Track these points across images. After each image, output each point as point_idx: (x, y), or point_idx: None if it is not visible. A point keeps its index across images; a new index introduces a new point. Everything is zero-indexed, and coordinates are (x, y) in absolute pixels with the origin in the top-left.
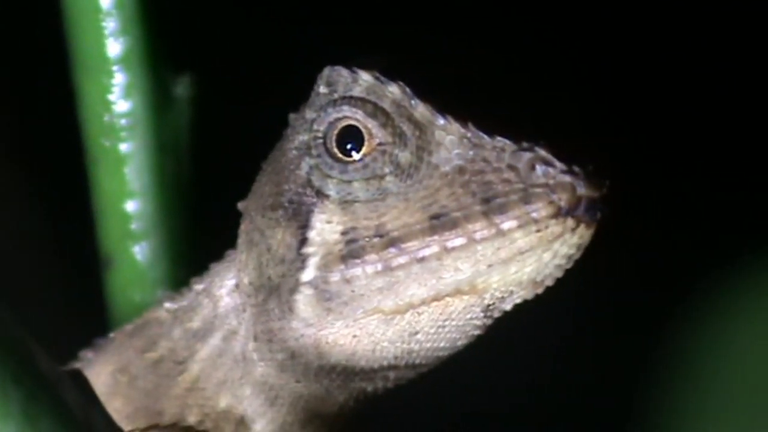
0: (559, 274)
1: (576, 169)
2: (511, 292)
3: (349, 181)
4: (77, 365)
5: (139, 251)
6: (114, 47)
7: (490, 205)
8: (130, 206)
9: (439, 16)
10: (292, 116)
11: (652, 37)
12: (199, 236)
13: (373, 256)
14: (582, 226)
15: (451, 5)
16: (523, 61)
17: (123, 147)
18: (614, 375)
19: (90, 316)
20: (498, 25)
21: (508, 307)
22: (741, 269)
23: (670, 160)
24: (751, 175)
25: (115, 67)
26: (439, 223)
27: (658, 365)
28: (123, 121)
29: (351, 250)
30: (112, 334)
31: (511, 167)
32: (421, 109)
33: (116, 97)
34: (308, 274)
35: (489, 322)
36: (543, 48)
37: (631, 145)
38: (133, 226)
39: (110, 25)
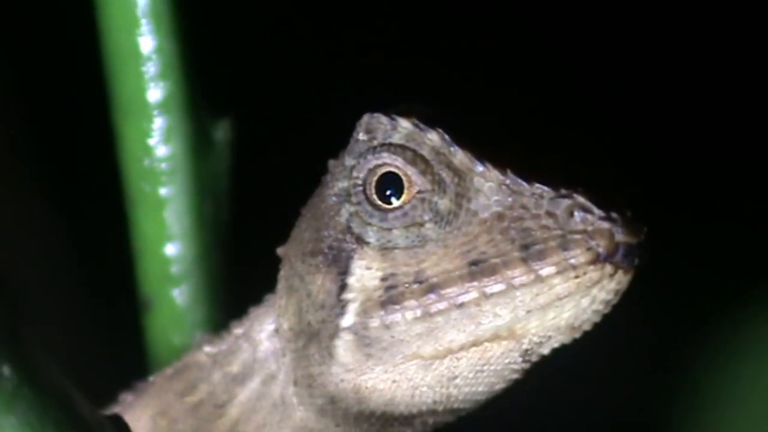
0: (597, 318)
1: (614, 215)
2: (549, 337)
3: (389, 229)
4: (117, 409)
5: (179, 294)
6: (154, 92)
7: (529, 252)
8: (170, 249)
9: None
10: (331, 163)
11: (690, 73)
12: (238, 280)
13: (412, 302)
14: (620, 272)
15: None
16: (556, 104)
17: (163, 191)
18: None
19: (130, 359)
20: (528, 65)
21: (545, 351)
22: None
23: (708, 193)
24: None
25: (154, 112)
26: (478, 269)
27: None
28: (163, 165)
29: (390, 296)
30: (151, 378)
31: (550, 214)
32: (460, 156)
33: (156, 142)
34: (348, 319)
35: (527, 366)
36: (574, 88)
37: (668, 183)
38: (173, 269)
39: (150, 69)
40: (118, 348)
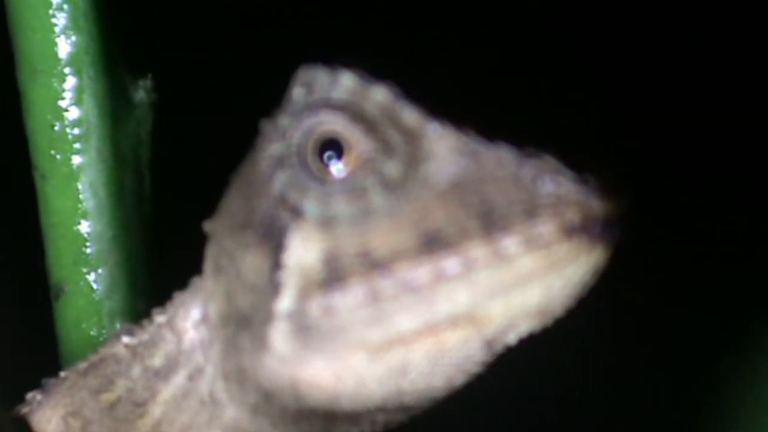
0: (570, 302)
1: (589, 180)
2: (515, 324)
3: (329, 198)
4: (24, 409)
5: (94, 279)
6: (64, 46)
7: (490, 223)
8: (84, 227)
9: (427, 14)
10: (263, 123)
11: (671, 35)
12: (160, 262)
13: (356, 283)
14: (597, 247)
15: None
16: (523, 61)
17: (75, 160)
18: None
19: (38, 352)
20: (494, 23)
21: (512, 340)
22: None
23: (695, 168)
24: None
25: (65, 69)
26: (432, 244)
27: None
28: (75, 131)
29: (332, 276)
30: (63, 373)
31: (514, 179)
32: (410, 115)
33: (67, 103)
34: (283, 303)
35: (490, 358)
36: (546, 46)
37: (650, 152)
38: (88, 250)
39: (60, 21)
40: (27, 340)
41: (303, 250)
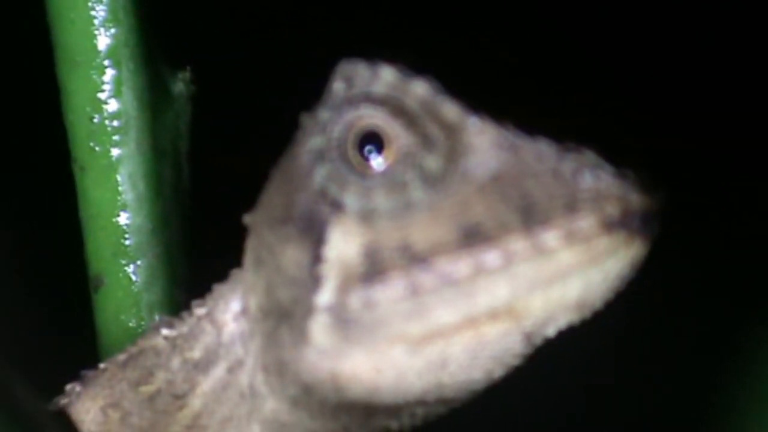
0: (610, 295)
1: (629, 175)
2: (554, 317)
3: (370, 192)
4: (64, 401)
5: (133, 270)
6: (104, 39)
7: (531, 217)
8: (123, 219)
9: (464, 12)
10: (304, 117)
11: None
12: (201, 254)
13: (397, 276)
14: (637, 241)
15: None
16: (561, 59)
17: (114, 152)
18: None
19: (78, 344)
20: (530, 21)
21: (551, 332)
22: None
23: (731, 163)
24: None
25: (105, 62)
26: (472, 238)
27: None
28: (114, 123)
29: (372, 270)
30: (102, 365)
31: (555, 173)
32: (450, 109)
33: (106, 96)
34: (323, 297)
35: (529, 350)
36: (579, 46)
37: (689, 147)
38: (127, 242)
39: (99, 14)
40: (66, 332)
41: (343, 244)
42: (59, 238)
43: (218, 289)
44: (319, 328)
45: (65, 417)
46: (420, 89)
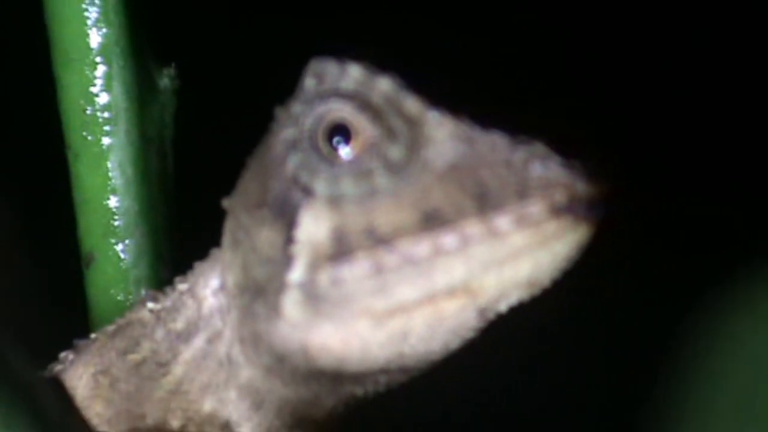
0: (557, 274)
1: (576, 164)
2: (506, 294)
3: (338, 179)
4: (58, 368)
5: (122, 249)
6: (95, 37)
7: (484, 203)
8: (113, 202)
9: (431, 5)
10: (278, 110)
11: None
12: (183, 234)
13: (362, 256)
14: (581, 225)
15: None
16: (519, 52)
17: (105, 141)
18: (610, 382)
19: (71, 316)
20: (493, 15)
21: (502, 308)
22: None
23: (678, 153)
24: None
25: (96, 58)
26: (431, 221)
27: (656, 367)
28: (105, 114)
29: (339, 250)
30: (93, 335)
31: (507, 163)
32: (412, 104)
33: (98, 89)
34: (295, 274)
35: (483, 324)
36: (541, 36)
37: (633, 137)
38: (116, 222)
39: (92, 15)
40: (61, 305)
41: (313, 227)
42: (54, 219)
43: (199, 266)
44: (291, 303)
45: (59, 383)
46: (384, 85)
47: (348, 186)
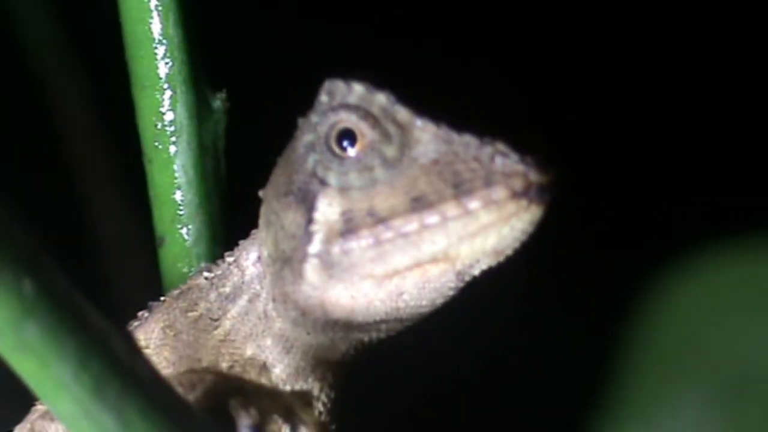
0: (517, 245)
1: (528, 159)
2: (478, 260)
3: (346, 172)
4: (136, 323)
5: (186, 232)
6: (163, 69)
7: (459, 190)
8: (178, 196)
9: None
10: (300, 120)
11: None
12: (231, 219)
13: (365, 232)
14: (534, 206)
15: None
16: (485, 70)
17: (172, 149)
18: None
19: (149, 284)
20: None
21: (476, 272)
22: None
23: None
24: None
25: (164, 85)
26: (418, 204)
27: (612, 338)
28: (171, 128)
29: (348, 228)
30: (162, 298)
31: (476, 159)
32: (402, 113)
33: (165, 109)
34: (314, 247)
35: (461, 284)
36: (502, 55)
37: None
38: (181, 212)
39: (160, 51)
40: (138, 276)
41: (328, 210)
42: (134, 210)
43: (242, 243)
44: (311, 269)
45: (130, 332)
46: (381, 99)
47: (354, 178)
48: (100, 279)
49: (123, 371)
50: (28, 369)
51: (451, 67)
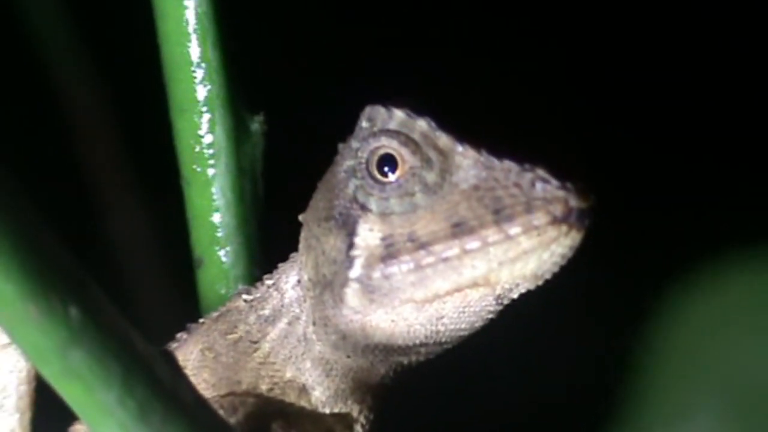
0: (556, 269)
1: (568, 185)
2: (517, 284)
3: (387, 198)
4: (174, 344)
5: (224, 254)
6: (202, 92)
7: (500, 215)
8: (216, 218)
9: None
10: (341, 146)
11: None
12: (270, 242)
13: (406, 257)
14: (573, 231)
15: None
16: (525, 99)
17: (210, 171)
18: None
19: (186, 305)
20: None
21: (515, 296)
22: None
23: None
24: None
25: (202, 108)
26: (459, 230)
27: (640, 355)
28: (210, 151)
29: (389, 252)
30: (201, 320)
31: (517, 185)
32: (443, 139)
33: (204, 132)
34: (355, 271)
35: (500, 308)
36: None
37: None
38: (219, 234)
39: (198, 74)
40: (177, 298)
41: (369, 235)
42: (172, 232)
43: (281, 266)
44: (352, 294)
45: (172, 355)
46: (422, 125)
47: (394, 203)
48: (137, 302)
49: (166, 395)
50: (73, 394)
51: (489, 92)
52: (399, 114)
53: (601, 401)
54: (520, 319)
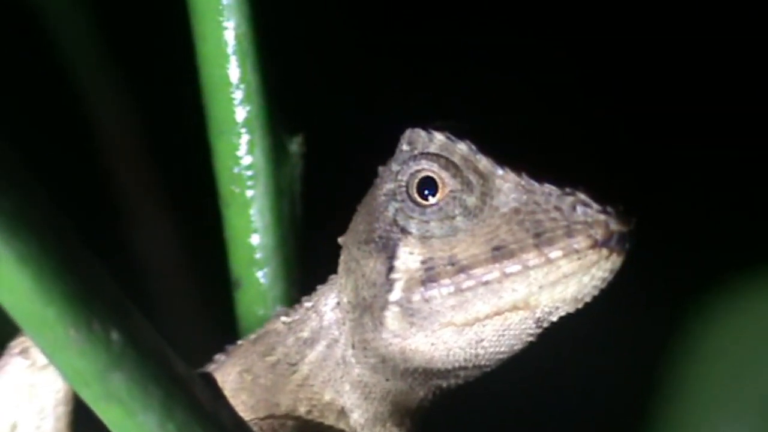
0: (596, 292)
1: (609, 208)
2: (557, 308)
3: (427, 221)
4: (212, 366)
5: (262, 276)
6: (240, 114)
7: (541, 239)
8: (254, 240)
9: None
10: (380, 169)
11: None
12: (308, 264)
13: (446, 281)
14: (614, 255)
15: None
16: (564, 120)
17: (248, 193)
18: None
19: (224, 327)
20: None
21: (554, 319)
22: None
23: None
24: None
25: (241, 130)
26: (499, 253)
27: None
28: (248, 173)
29: (429, 276)
30: (239, 342)
31: (557, 208)
32: (484, 162)
33: (242, 153)
34: (395, 295)
35: (539, 331)
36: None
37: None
38: (257, 255)
39: (237, 96)
40: (216, 318)
41: (409, 258)
42: (211, 253)
43: (321, 288)
44: (392, 317)
45: (211, 377)
46: (462, 148)
47: (435, 226)
48: (173, 324)
49: (206, 419)
50: (114, 418)
51: (529, 114)
52: (439, 137)
53: (630, 418)
54: (556, 341)
